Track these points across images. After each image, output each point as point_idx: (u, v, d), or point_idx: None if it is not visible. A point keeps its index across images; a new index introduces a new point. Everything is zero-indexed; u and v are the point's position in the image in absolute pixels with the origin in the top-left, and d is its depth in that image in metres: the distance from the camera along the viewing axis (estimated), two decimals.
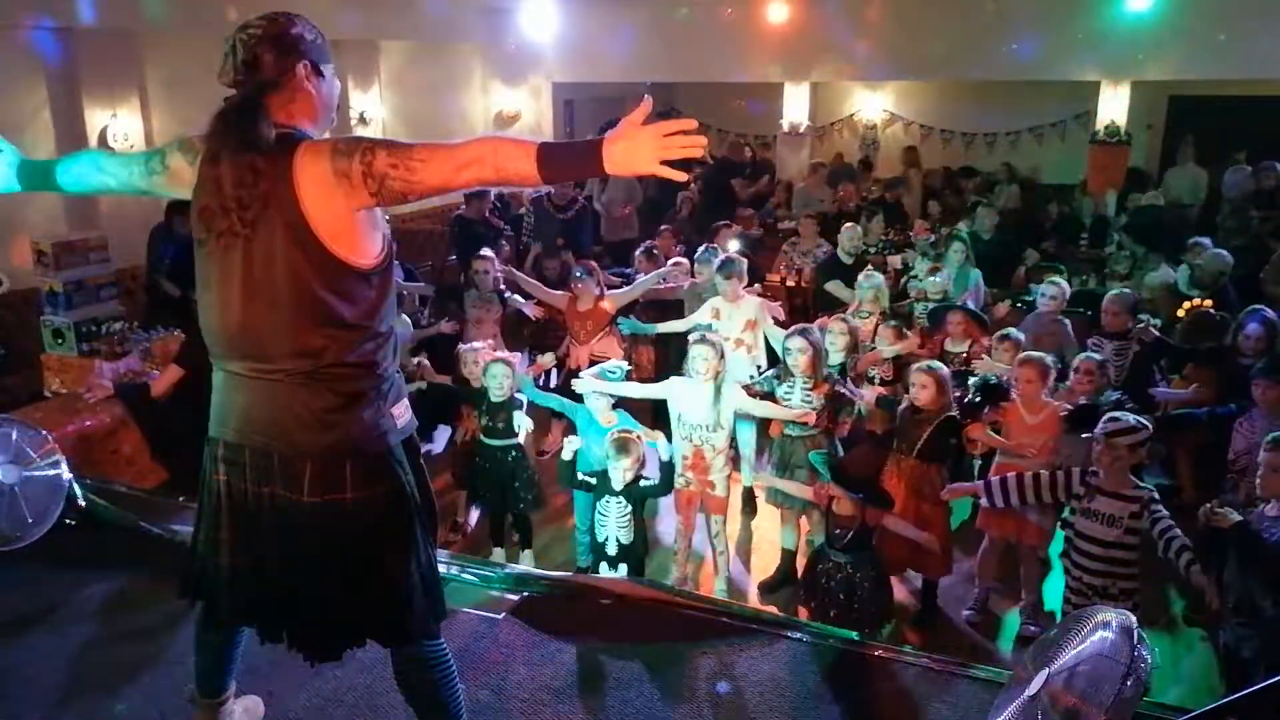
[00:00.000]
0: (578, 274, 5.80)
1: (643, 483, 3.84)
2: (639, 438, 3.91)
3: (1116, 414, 3.58)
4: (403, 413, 2.17)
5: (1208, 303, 5.70)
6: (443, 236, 9.18)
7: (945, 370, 4.23)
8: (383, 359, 2.11)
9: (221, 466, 2.14)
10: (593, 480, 3.90)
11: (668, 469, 3.87)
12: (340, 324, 2.00)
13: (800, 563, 4.46)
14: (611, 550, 3.83)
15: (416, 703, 2.32)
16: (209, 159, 2.01)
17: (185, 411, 4.07)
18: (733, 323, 5.23)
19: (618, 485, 3.81)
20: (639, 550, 3.87)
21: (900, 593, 4.26)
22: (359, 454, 2.07)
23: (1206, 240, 6.80)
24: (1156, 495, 3.44)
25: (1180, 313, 5.63)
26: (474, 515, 4.99)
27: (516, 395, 4.54)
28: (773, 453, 4.50)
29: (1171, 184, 9.72)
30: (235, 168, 1.95)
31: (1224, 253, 6.41)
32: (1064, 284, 5.57)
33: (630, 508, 3.82)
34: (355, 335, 2.03)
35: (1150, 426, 3.51)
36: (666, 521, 4.99)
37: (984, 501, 3.93)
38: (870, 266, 6.09)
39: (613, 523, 3.83)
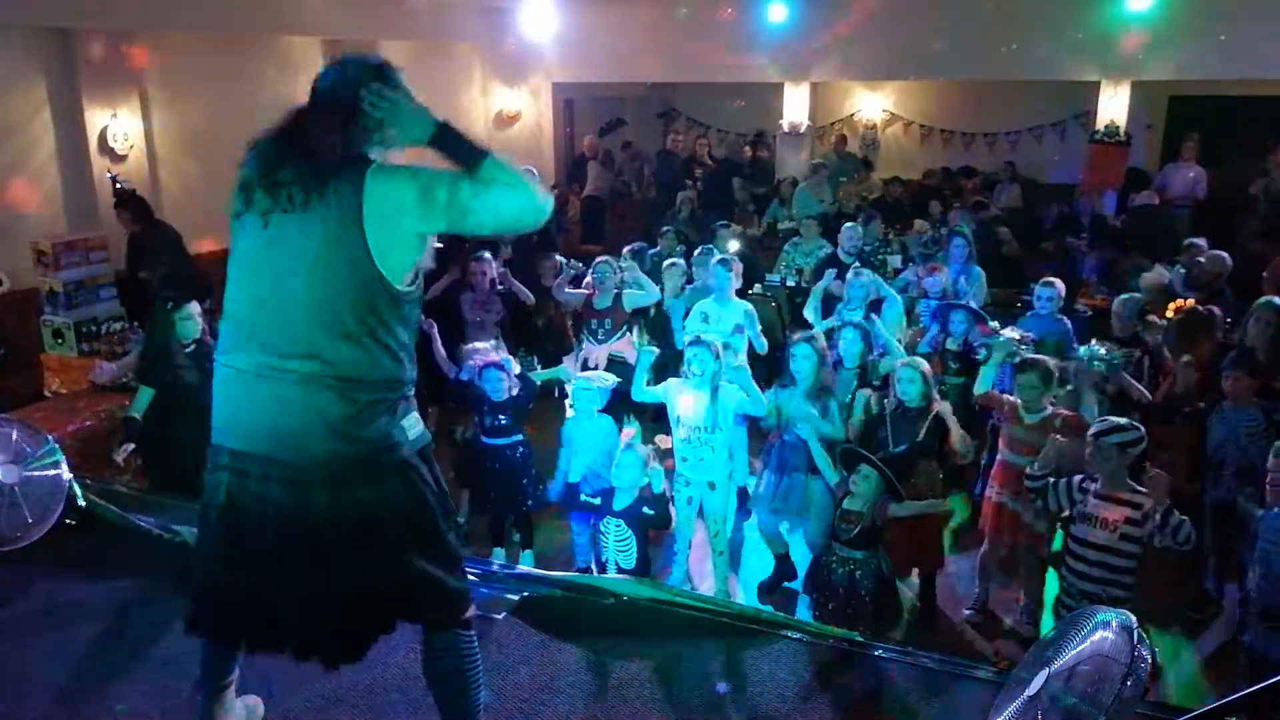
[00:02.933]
0: (596, 272, 5.79)
1: (645, 509, 3.79)
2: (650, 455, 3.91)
3: (1109, 417, 3.57)
4: (414, 425, 2.18)
5: (1190, 302, 5.72)
6: (441, 236, 9.18)
7: (926, 364, 4.29)
8: (398, 373, 2.11)
9: (226, 475, 2.12)
10: (596, 501, 3.88)
11: (662, 501, 3.85)
12: (360, 332, 2.02)
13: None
14: (612, 572, 3.80)
15: (442, 692, 2.33)
16: (277, 135, 2.06)
17: (180, 443, 4.09)
18: (722, 325, 5.23)
19: (618, 503, 3.79)
20: (641, 574, 3.79)
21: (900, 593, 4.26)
22: (370, 463, 2.08)
23: (1202, 241, 6.78)
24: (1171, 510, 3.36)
25: (1169, 312, 5.63)
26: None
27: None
28: (771, 455, 4.50)
29: (1169, 181, 9.62)
30: (301, 159, 2.00)
31: (1223, 254, 6.40)
32: (1059, 285, 5.57)
33: (630, 533, 3.78)
34: (374, 346, 2.04)
35: (1143, 430, 3.50)
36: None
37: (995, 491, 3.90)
38: (858, 264, 6.08)
39: (612, 544, 3.81)
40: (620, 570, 3.78)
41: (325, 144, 2.01)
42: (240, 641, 2.33)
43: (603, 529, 3.84)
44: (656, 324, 6.12)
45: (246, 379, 2.08)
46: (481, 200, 1.99)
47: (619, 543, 3.79)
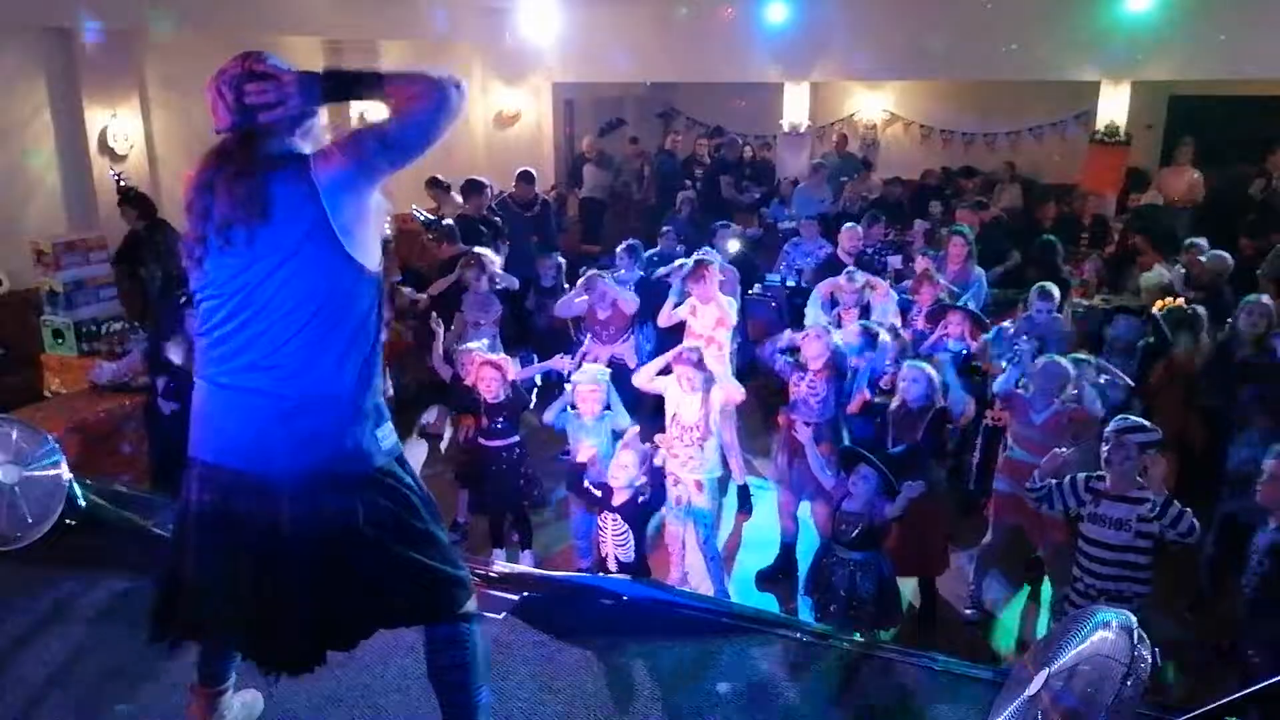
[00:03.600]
0: (589, 288, 5.82)
1: (640, 499, 3.78)
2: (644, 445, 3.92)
3: (1127, 414, 3.58)
4: (386, 436, 2.18)
5: (1179, 300, 5.73)
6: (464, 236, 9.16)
7: (931, 368, 4.30)
8: (366, 384, 2.12)
9: (201, 487, 2.12)
10: (598, 493, 3.88)
11: (658, 474, 3.86)
12: (330, 345, 2.03)
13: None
14: (612, 568, 3.81)
15: (443, 687, 2.34)
16: (216, 155, 2.04)
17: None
18: (705, 320, 5.27)
19: (615, 500, 3.79)
20: (639, 571, 3.81)
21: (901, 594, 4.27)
22: (343, 475, 2.08)
23: (1203, 241, 6.77)
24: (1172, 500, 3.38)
25: (1155, 309, 5.64)
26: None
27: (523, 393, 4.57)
28: (783, 441, 4.55)
29: (1167, 185, 9.38)
30: (237, 179, 1.98)
31: (1224, 254, 6.40)
32: (1055, 293, 5.58)
33: (627, 527, 3.77)
34: (343, 359, 2.05)
35: (1160, 431, 3.52)
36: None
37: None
38: (851, 269, 6.06)
39: (610, 539, 3.81)
40: (620, 565, 3.80)
41: (249, 157, 2.00)
42: (216, 642, 2.33)
43: (600, 523, 3.87)
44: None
45: (220, 394, 2.09)
46: (407, 122, 1.98)
47: (616, 537, 3.80)
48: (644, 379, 4.40)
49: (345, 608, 2.14)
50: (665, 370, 4.38)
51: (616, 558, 3.80)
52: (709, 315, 5.29)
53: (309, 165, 1.99)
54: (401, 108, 1.98)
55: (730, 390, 4.47)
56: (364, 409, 2.11)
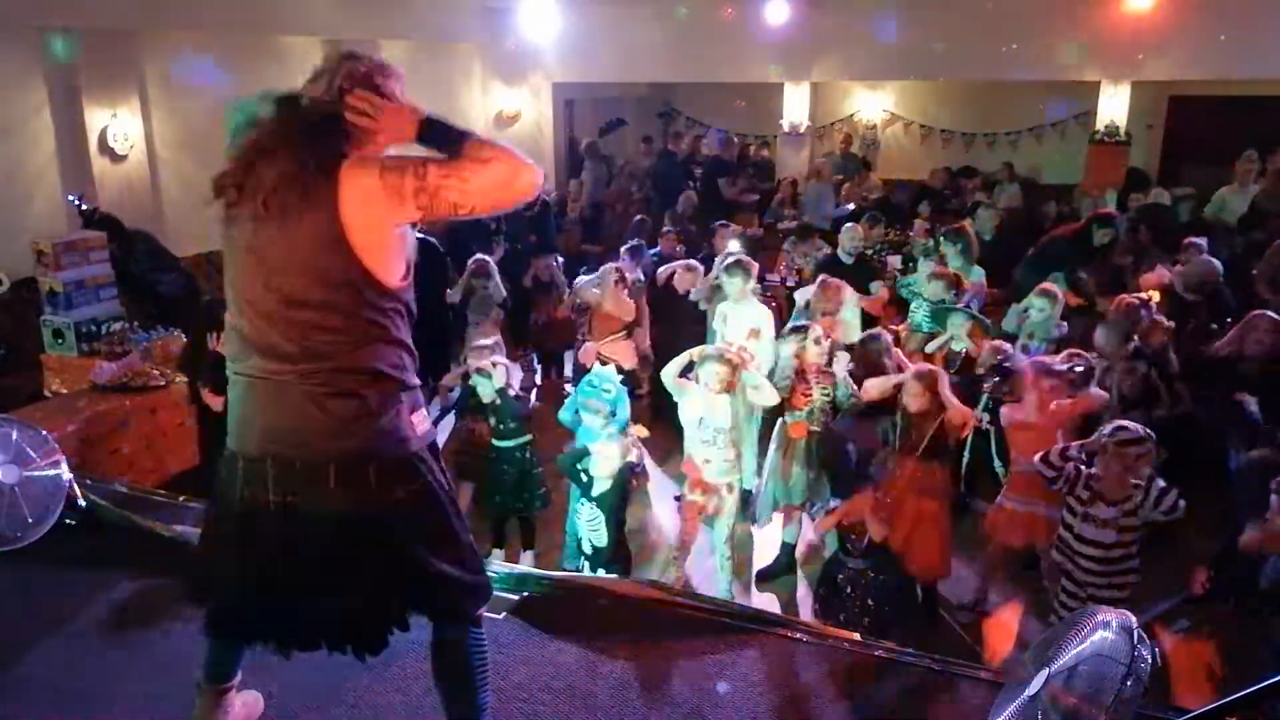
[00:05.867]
0: (614, 275, 5.89)
1: (609, 485, 3.89)
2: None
3: (1126, 423, 3.57)
4: (421, 422, 2.19)
5: (1155, 295, 5.73)
6: (442, 235, 9.17)
7: (936, 372, 4.28)
8: (400, 367, 2.12)
9: (243, 482, 2.13)
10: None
11: (626, 470, 3.92)
12: (357, 330, 2.03)
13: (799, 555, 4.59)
14: (587, 550, 3.94)
15: (448, 689, 2.34)
16: (262, 140, 2.04)
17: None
18: (738, 329, 5.21)
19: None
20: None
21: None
22: (381, 458, 2.09)
23: (1202, 241, 6.63)
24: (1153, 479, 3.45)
25: (1146, 296, 5.63)
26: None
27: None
28: (784, 448, 4.59)
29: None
30: (281, 160, 1.98)
31: (1213, 260, 6.32)
32: (1059, 294, 5.55)
33: (600, 514, 3.88)
34: (373, 342, 2.05)
35: (1154, 437, 3.53)
36: (667, 521, 5.01)
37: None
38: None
39: (583, 524, 3.93)
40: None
41: (306, 150, 1.99)
42: (261, 641, 2.31)
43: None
44: None
45: (253, 384, 2.09)
46: (455, 180, 1.95)
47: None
48: (670, 377, 4.27)
49: (367, 600, 2.15)
50: (688, 369, 4.26)
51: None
52: (743, 324, 5.22)
53: (340, 169, 1.97)
54: (464, 162, 1.95)
55: (768, 393, 4.30)
56: (397, 392, 2.11)
